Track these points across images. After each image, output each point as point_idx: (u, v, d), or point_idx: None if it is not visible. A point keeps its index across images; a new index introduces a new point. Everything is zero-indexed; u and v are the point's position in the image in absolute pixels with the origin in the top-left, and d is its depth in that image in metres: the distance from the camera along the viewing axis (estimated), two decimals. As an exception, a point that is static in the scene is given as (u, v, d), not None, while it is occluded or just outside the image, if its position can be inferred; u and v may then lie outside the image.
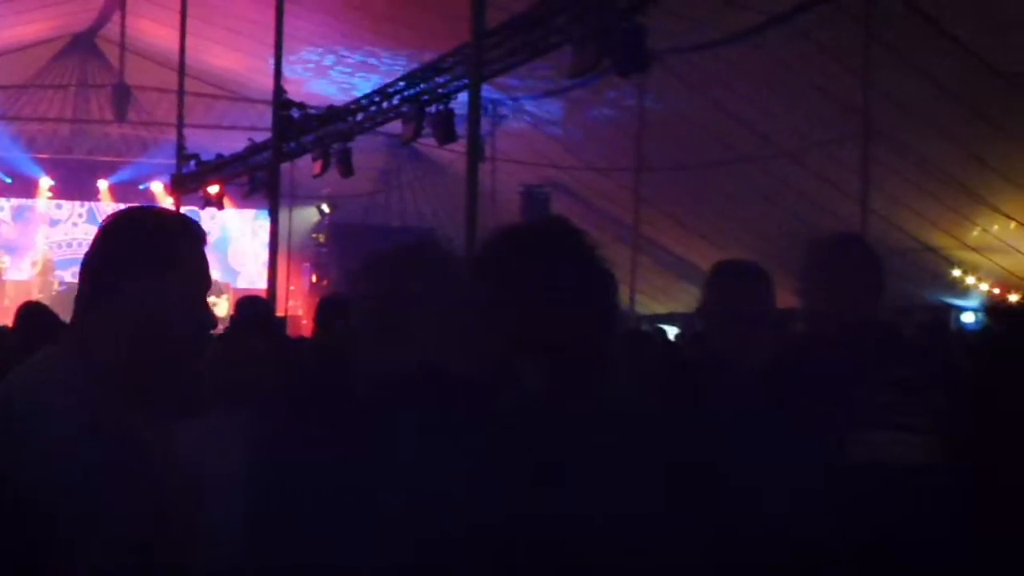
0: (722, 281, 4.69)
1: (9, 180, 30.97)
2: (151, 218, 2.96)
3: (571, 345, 2.78)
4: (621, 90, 16.61)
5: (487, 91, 19.81)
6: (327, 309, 7.29)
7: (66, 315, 8.31)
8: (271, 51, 16.00)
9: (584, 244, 2.90)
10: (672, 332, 16.77)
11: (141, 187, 31.32)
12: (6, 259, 30.45)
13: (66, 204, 32.11)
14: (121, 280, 2.73)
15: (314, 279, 29.18)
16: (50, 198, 31.52)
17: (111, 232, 2.82)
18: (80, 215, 32.19)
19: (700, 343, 6.15)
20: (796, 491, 3.57)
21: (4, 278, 29.45)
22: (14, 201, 31.69)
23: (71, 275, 30.93)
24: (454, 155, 19.02)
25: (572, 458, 2.64)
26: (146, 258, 2.74)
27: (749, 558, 2.91)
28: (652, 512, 2.63)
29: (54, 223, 32.14)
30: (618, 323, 3.00)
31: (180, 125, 21.83)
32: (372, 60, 21.75)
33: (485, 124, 22.10)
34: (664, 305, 25.99)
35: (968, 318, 20.82)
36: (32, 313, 7.36)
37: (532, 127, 22.97)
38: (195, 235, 2.86)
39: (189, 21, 19.85)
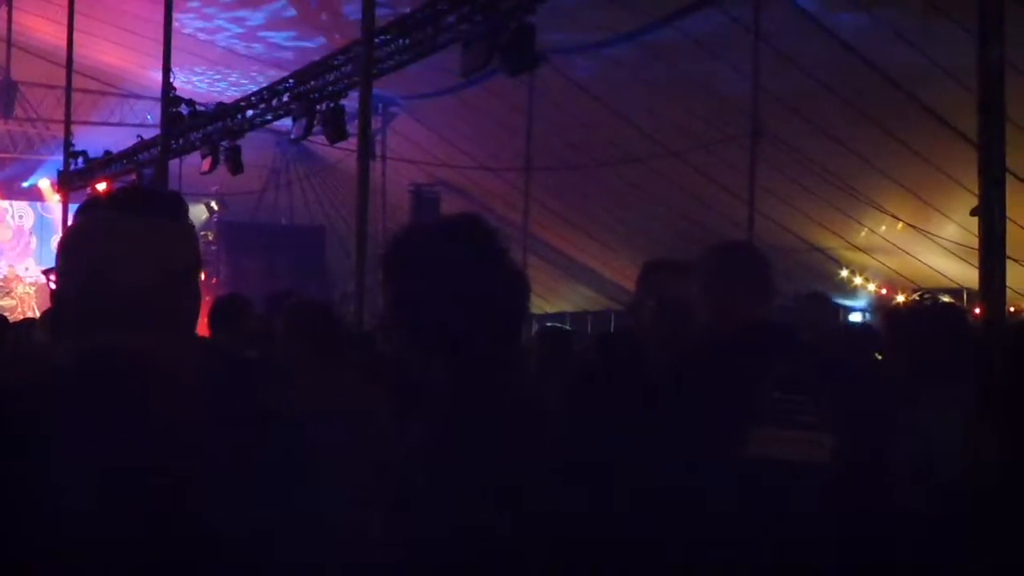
0: (654, 278, 4.76)
1: None
2: (111, 200, 2.69)
3: (480, 345, 2.78)
4: (510, 89, 16.70)
5: (377, 89, 19.91)
6: (222, 309, 7.18)
7: None
8: (159, 47, 15.93)
9: (495, 244, 2.90)
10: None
11: (28, 184, 31.00)
12: None
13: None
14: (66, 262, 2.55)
15: (202, 277, 28.94)
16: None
17: (75, 216, 2.65)
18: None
19: (608, 341, 6.22)
20: (695, 488, 3.62)
21: None
22: None
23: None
24: (343, 153, 19.01)
25: (479, 456, 2.63)
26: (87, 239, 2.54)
27: (646, 555, 3.01)
28: (552, 511, 2.65)
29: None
30: (525, 323, 2.99)
31: (68, 122, 21.63)
32: (262, 56, 21.69)
33: (375, 122, 22.19)
34: (553, 304, 26.17)
35: (855, 318, 21.14)
36: None
37: (422, 126, 23.02)
38: (159, 213, 2.60)
39: (77, 17, 19.66)
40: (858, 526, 3.87)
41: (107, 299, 2.31)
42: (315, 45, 19.02)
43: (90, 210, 2.48)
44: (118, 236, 2.41)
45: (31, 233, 31.84)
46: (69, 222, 2.61)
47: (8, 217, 31.92)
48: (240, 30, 21.24)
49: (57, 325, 2.91)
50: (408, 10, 13.98)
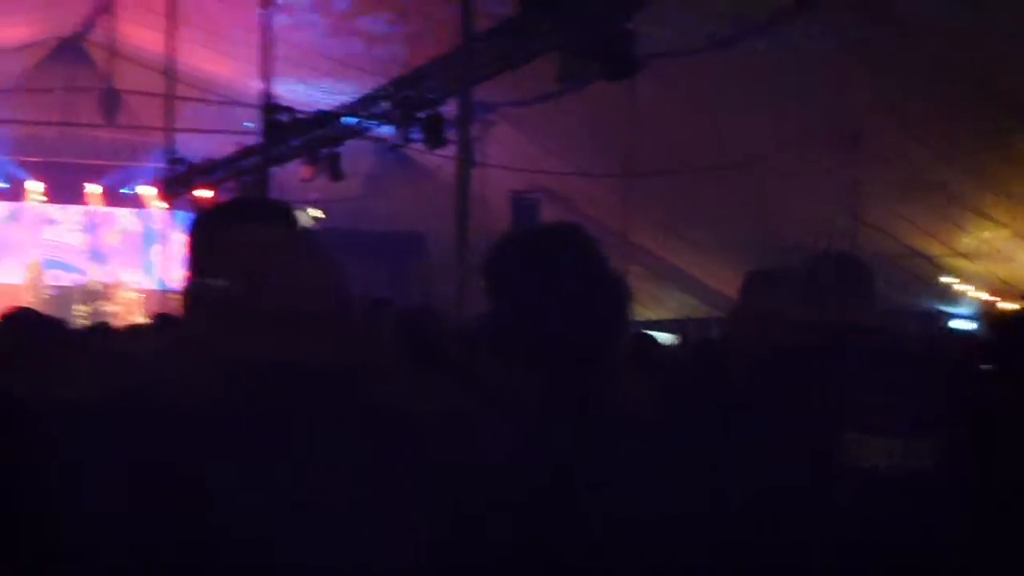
0: (756, 287, 4.74)
1: (5, 185, 31.04)
2: (226, 208, 2.90)
3: (579, 352, 2.78)
4: (610, 95, 16.72)
5: (476, 96, 19.99)
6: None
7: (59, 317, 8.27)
8: (259, 54, 16.08)
9: (595, 251, 2.90)
10: (663, 339, 16.84)
11: (131, 191, 31.40)
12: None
13: (71, 208, 32.15)
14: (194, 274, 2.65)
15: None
16: (43, 202, 31.57)
17: (192, 226, 2.77)
18: (80, 224, 32.27)
19: (704, 348, 6.22)
20: (795, 492, 3.55)
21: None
22: (3, 204, 31.72)
23: (65, 279, 31.16)
24: (442, 160, 19.13)
25: (571, 462, 2.62)
26: (213, 250, 2.65)
27: (750, 558, 2.97)
28: (663, 515, 2.64)
29: (52, 223, 32.18)
30: (627, 330, 3.02)
31: (169, 129, 21.91)
32: (362, 63, 21.85)
33: (474, 129, 22.28)
34: (655, 312, 26.13)
35: (958, 324, 20.95)
36: (19, 317, 7.41)
37: (521, 132, 23.07)
38: (273, 223, 2.72)
39: (178, 26, 19.93)
40: (956, 535, 3.77)
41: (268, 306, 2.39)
42: (413, 51, 19.11)
43: (224, 221, 2.60)
44: (273, 248, 2.52)
45: (136, 239, 32.27)
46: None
47: (117, 223, 32.40)
48: (339, 37, 21.40)
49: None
50: (506, 17, 14.03)
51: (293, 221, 2.63)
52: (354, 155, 21.55)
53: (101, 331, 9.54)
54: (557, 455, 2.64)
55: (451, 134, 14.54)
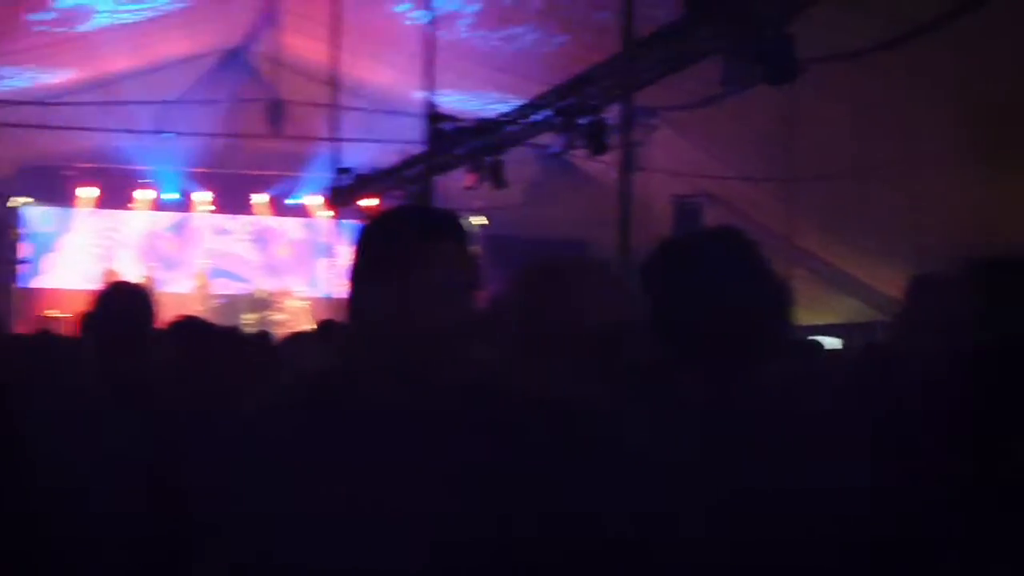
0: (920, 292, 4.66)
1: (177, 196, 31.69)
2: (393, 218, 2.97)
3: (739, 354, 2.83)
4: (772, 99, 16.65)
5: (638, 101, 19.97)
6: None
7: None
8: (422, 63, 16.22)
9: (754, 254, 2.97)
10: (829, 343, 16.73)
11: (297, 201, 31.92)
12: (164, 273, 31.22)
13: (238, 218, 32.88)
14: (360, 284, 2.79)
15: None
16: (211, 212, 32.30)
17: (360, 234, 2.86)
18: (248, 234, 32.98)
19: (871, 353, 6.13)
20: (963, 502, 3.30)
21: (161, 290, 30.12)
22: (173, 215, 32.44)
23: (231, 287, 31.79)
24: (605, 166, 19.18)
25: (731, 463, 2.67)
26: (384, 258, 2.77)
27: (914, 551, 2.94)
28: (808, 514, 2.66)
29: (219, 232, 32.94)
30: (789, 334, 3.07)
31: (335, 139, 22.23)
32: (523, 71, 21.98)
33: (636, 134, 22.30)
34: (820, 316, 25.89)
35: None
36: (186, 326, 7.64)
37: (683, 137, 23.05)
38: (441, 232, 2.84)
39: (342, 37, 20.22)
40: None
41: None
42: (573, 57, 19.17)
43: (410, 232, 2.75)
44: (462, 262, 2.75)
45: (303, 249, 32.78)
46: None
47: (284, 233, 32.95)
48: (501, 45, 21.55)
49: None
50: (668, 22, 14.06)
51: (463, 230, 2.74)
52: (517, 162, 21.70)
53: (262, 338, 9.72)
54: (719, 453, 2.68)
55: (614, 140, 14.57)
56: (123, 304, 4.94)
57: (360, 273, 2.79)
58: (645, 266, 3.06)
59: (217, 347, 7.35)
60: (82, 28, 22.91)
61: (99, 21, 22.81)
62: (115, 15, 22.84)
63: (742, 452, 2.69)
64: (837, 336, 20.36)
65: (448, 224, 2.88)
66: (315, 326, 10.72)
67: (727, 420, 2.75)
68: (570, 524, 2.49)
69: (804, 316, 24.81)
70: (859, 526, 2.76)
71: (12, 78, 25.80)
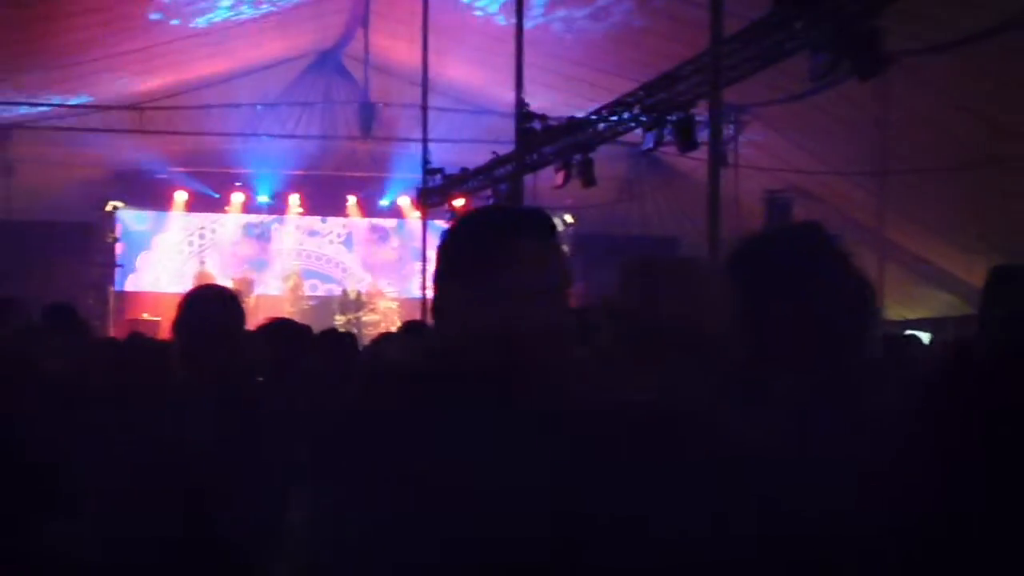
0: (1003, 286, 4.55)
1: (268, 199, 32.04)
2: (478, 217, 2.93)
3: (827, 352, 2.81)
4: (863, 93, 16.59)
5: (728, 97, 19.95)
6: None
7: (318, 328, 8.63)
8: (512, 62, 16.28)
9: (835, 249, 2.96)
10: (925, 338, 16.66)
11: (388, 202, 32.15)
12: (257, 275, 31.56)
13: (330, 220, 33.19)
14: (445, 284, 2.75)
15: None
16: (300, 214, 32.61)
17: (444, 235, 2.82)
18: (339, 235, 33.32)
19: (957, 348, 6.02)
20: None
21: (254, 293, 30.46)
22: (265, 217, 32.86)
23: (321, 288, 32.09)
24: (695, 162, 19.18)
25: (821, 458, 2.63)
26: (469, 259, 2.72)
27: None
28: (922, 512, 2.68)
29: (311, 234, 33.26)
30: (872, 328, 2.99)
31: (425, 140, 22.37)
32: (612, 69, 22.04)
33: (727, 130, 22.30)
34: (913, 311, 25.75)
35: None
36: (278, 328, 7.70)
37: (775, 132, 23.03)
38: (526, 231, 2.77)
39: (430, 37, 20.35)
40: None
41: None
42: (663, 54, 19.23)
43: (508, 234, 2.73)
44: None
45: (394, 249, 33.02)
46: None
47: (375, 234, 33.21)
48: (589, 43, 21.63)
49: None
50: (757, 17, 14.10)
51: (552, 228, 2.78)
52: (607, 160, 21.75)
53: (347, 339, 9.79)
54: (812, 447, 2.66)
55: (704, 136, 14.61)
56: (210, 307, 4.92)
57: (445, 273, 2.74)
58: (728, 263, 3.04)
59: (307, 348, 7.46)
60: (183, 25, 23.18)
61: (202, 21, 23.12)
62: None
63: (834, 449, 2.67)
64: (930, 331, 20.25)
65: (536, 222, 2.81)
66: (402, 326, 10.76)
67: (819, 418, 2.72)
68: (678, 531, 2.44)
69: (896, 310, 24.71)
70: (945, 523, 2.77)
71: (107, 84, 26.22)
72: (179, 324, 4.89)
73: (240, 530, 4.14)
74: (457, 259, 2.73)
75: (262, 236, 32.86)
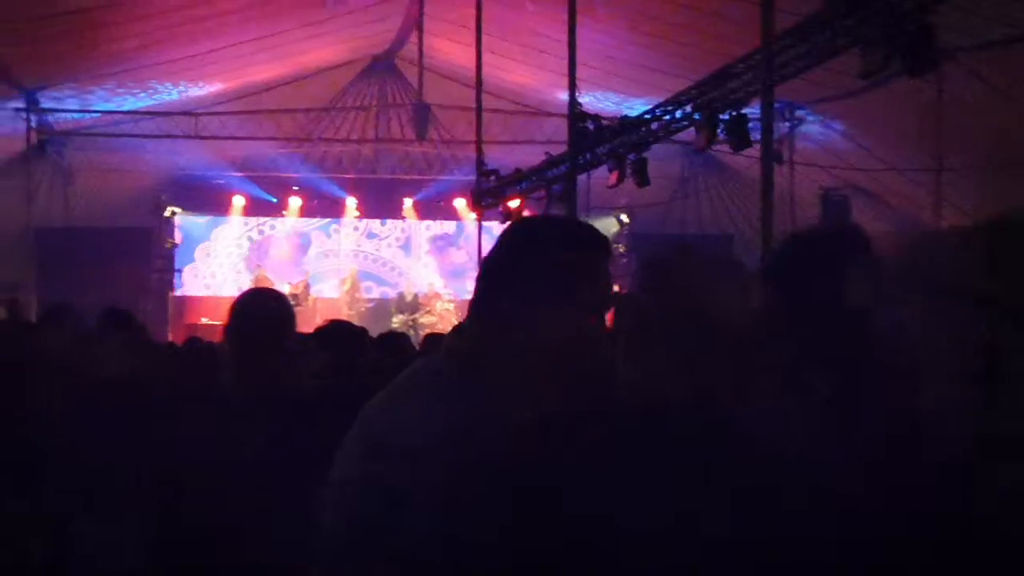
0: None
1: (325, 201, 32.18)
2: (540, 228, 2.92)
3: (862, 352, 2.76)
4: (918, 90, 16.52)
5: (782, 95, 19.91)
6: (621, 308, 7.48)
7: (375, 330, 8.64)
8: (564, 64, 16.31)
9: (873, 251, 2.94)
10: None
11: (443, 203, 32.24)
12: (313, 278, 31.72)
13: (386, 222, 33.36)
14: (526, 303, 2.72)
15: (616, 289, 29.43)
16: (356, 217, 32.78)
17: (514, 244, 2.80)
18: (397, 239, 33.47)
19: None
20: None
21: (312, 296, 30.61)
22: (321, 220, 33.04)
23: (376, 291, 32.24)
24: (750, 160, 19.18)
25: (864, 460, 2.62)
26: (551, 278, 2.71)
27: None
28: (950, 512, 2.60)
29: (367, 236, 33.48)
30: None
31: (479, 142, 22.44)
32: (664, 68, 22.04)
33: (781, 128, 22.30)
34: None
35: None
36: (335, 331, 7.72)
37: (830, 130, 22.99)
38: (593, 245, 2.81)
39: (485, 39, 20.39)
40: None
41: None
42: (715, 53, 19.23)
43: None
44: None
45: (449, 251, 33.13)
46: (484, 238, 2.59)
47: (430, 235, 33.35)
48: (641, 43, 21.62)
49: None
50: (809, 14, 14.08)
51: (609, 244, 2.78)
52: (661, 159, 21.76)
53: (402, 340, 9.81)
54: (856, 451, 2.65)
55: (757, 133, 14.59)
56: (258, 311, 4.93)
57: (503, 280, 2.76)
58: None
59: (365, 351, 7.48)
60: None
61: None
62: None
63: (877, 450, 2.67)
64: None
65: (599, 238, 2.87)
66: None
67: (862, 419, 2.71)
68: (724, 530, 2.43)
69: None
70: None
71: (162, 92, 26.47)
72: (229, 329, 4.92)
73: (281, 538, 4.14)
74: (521, 267, 2.74)
75: (319, 239, 33.02)
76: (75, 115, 27.00)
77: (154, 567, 4.64)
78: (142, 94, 26.39)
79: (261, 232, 32.91)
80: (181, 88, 26.60)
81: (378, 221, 33.14)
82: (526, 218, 3.05)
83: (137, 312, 7.52)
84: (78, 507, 5.31)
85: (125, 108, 27.26)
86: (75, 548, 5.26)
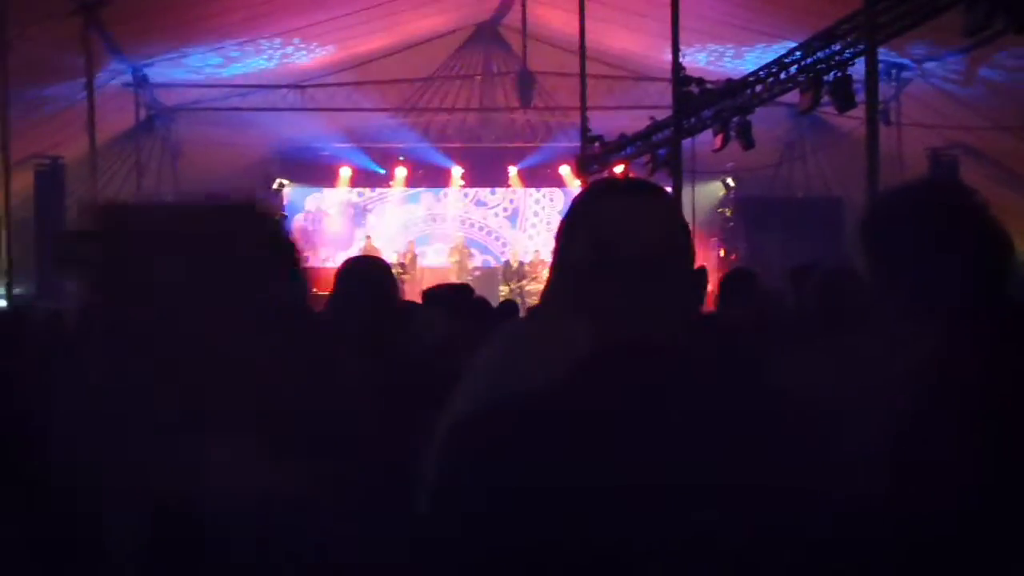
0: None
1: (431, 171, 32.47)
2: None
3: (963, 306, 2.74)
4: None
5: (888, 55, 19.77)
6: (733, 283, 7.61)
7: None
8: (667, 28, 16.26)
9: (974, 205, 2.90)
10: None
11: (548, 171, 32.29)
12: (422, 247, 31.99)
13: (491, 191, 33.60)
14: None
15: (722, 253, 29.65)
16: (462, 186, 33.07)
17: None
18: (505, 209, 33.69)
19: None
20: None
21: (420, 265, 30.88)
22: (427, 190, 33.34)
23: (479, 260, 32.43)
24: (857, 121, 19.05)
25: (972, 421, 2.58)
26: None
27: None
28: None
29: (473, 205, 33.73)
30: (1012, 286, 2.91)
31: (584, 108, 22.47)
32: (766, 31, 21.94)
33: (888, 88, 22.11)
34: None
35: None
36: (435, 294, 7.76)
37: (938, 89, 22.76)
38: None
39: (588, 4, 20.44)
40: None
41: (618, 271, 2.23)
42: (820, 13, 19.10)
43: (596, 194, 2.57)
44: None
45: (556, 218, 33.16)
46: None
47: (536, 203, 33.44)
48: (745, 4, 21.51)
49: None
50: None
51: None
52: (766, 122, 21.66)
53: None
54: (958, 418, 2.62)
55: (863, 94, 14.50)
56: (360, 280, 4.98)
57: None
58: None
59: (474, 317, 7.54)
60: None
61: None
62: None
63: (975, 405, 2.63)
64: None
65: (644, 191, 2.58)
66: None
67: (963, 383, 2.65)
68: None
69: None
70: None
71: (269, 64, 26.72)
72: (332, 299, 4.97)
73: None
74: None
75: (427, 201, 33.40)
76: (185, 89, 27.28)
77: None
78: (249, 65, 26.63)
79: (368, 204, 33.20)
80: (288, 58, 26.82)
81: (487, 190, 33.35)
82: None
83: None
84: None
85: (232, 81, 27.53)
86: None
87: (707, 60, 23.83)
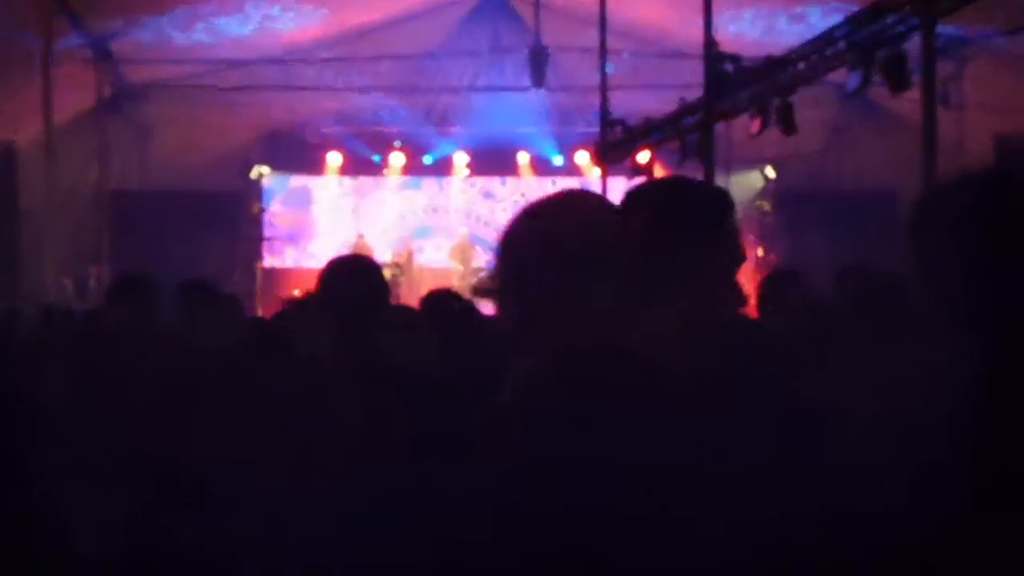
0: None
1: (432, 158, 32.47)
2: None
3: (1010, 313, 2.74)
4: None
5: (949, 30, 19.71)
6: (774, 286, 7.55)
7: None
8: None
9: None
10: None
11: (564, 159, 32.23)
12: (420, 244, 31.96)
13: (499, 181, 33.56)
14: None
15: (760, 253, 29.49)
16: (469, 175, 33.06)
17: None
18: (511, 197, 33.43)
19: None
20: None
21: (418, 263, 30.86)
22: (427, 180, 33.36)
23: (483, 258, 32.32)
24: (914, 104, 19.04)
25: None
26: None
27: None
28: None
29: (480, 197, 33.70)
30: None
31: (603, 88, 22.41)
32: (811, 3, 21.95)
33: (947, 67, 22.04)
34: None
35: None
36: (436, 301, 7.83)
37: (1007, 69, 22.73)
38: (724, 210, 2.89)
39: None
40: None
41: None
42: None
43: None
44: None
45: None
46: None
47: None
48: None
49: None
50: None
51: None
52: (811, 104, 21.61)
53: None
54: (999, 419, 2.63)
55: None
56: (348, 281, 5.04)
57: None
58: (911, 219, 3.03)
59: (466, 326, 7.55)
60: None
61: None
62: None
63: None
64: None
65: (727, 202, 2.95)
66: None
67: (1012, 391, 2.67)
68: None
69: None
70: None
71: (252, 36, 26.64)
72: (318, 300, 4.99)
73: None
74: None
75: (430, 189, 33.49)
76: (154, 65, 27.16)
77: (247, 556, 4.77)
78: (228, 29, 26.41)
79: (359, 196, 33.15)
80: (270, 21, 26.62)
81: (497, 180, 33.30)
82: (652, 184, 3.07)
83: (220, 284, 7.65)
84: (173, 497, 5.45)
85: (209, 54, 27.38)
86: (174, 540, 5.41)
87: (747, 34, 23.78)
